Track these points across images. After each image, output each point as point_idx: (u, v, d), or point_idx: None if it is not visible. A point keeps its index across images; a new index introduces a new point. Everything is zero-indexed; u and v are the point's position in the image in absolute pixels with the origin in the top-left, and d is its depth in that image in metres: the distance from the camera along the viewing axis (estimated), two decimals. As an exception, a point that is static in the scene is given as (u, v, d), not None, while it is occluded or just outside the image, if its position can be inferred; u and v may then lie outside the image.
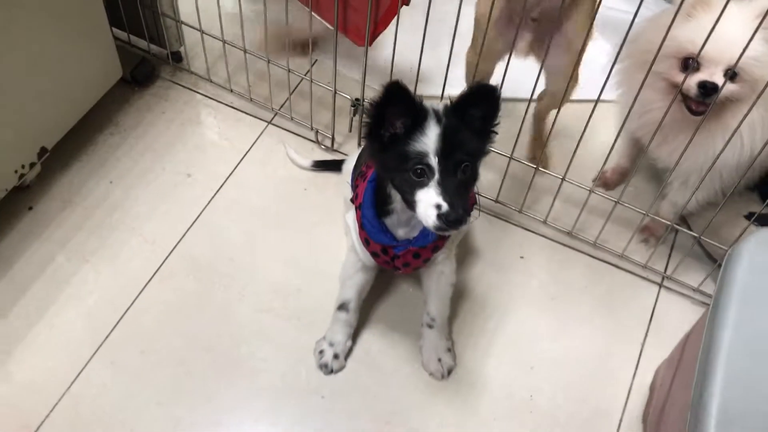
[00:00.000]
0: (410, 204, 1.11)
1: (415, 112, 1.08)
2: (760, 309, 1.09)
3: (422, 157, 1.07)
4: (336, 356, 1.45)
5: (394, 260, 1.29)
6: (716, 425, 0.98)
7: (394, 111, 1.07)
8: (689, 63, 1.32)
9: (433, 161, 1.07)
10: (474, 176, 1.13)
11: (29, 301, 1.50)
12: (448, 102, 1.11)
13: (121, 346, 1.46)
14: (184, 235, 1.63)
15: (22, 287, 1.52)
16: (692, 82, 1.31)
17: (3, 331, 1.46)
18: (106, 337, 1.47)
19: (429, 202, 1.07)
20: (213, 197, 1.69)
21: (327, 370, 1.45)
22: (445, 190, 1.07)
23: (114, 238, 1.61)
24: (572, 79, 1.48)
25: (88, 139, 1.76)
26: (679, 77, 1.34)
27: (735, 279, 1.13)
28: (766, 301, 1.10)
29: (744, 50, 1.20)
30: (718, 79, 1.29)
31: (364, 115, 1.12)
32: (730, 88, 1.30)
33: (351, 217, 1.32)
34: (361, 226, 1.27)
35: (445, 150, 1.07)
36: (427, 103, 1.10)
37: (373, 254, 1.30)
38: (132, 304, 1.52)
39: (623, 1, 1.92)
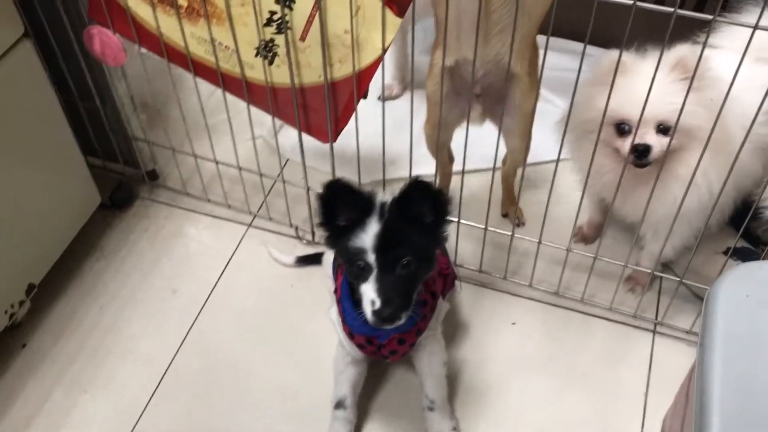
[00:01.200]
0: (360, 297, 1.14)
1: (359, 206, 1.12)
2: (743, 347, 1.11)
3: (361, 253, 1.11)
4: None
5: (381, 349, 1.30)
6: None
7: (340, 205, 1.12)
8: (623, 128, 1.37)
9: (371, 258, 1.11)
10: (422, 270, 1.16)
11: (31, 441, 1.50)
12: (393, 198, 1.14)
13: (127, 474, 1.46)
14: (178, 350, 1.64)
15: (23, 427, 1.52)
16: (625, 146, 1.36)
17: (7, 475, 1.46)
18: (111, 466, 1.47)
19: (368, 297, 1.11)
20: (203, 307, 1.71)
21: None
22: (381, 287, 1.10)
23: (109, 364, 1.62)
24: (528, 137, 1.53)
25: (75, 268, 1.79)
26: (617, 143, 1.39)
27: (716, 319, 1.14)
28: (747, 339, 1.11)
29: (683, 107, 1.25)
30: (651, 138, 1.34)
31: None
32: (666, 142, 1.34)
33: (334, 312, 1.35)
34: (344, 321, 1.29)
35: (382, 246, 1.11)
36: (378, 197, 1.14)
37: (359, 346, 1.32)
38: (134, 427, 1.52)
39: (570, 59, 2.01)
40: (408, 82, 2.16)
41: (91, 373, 1.60)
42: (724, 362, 1.09)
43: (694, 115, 1.32)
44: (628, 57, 1.37)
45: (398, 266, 1.12)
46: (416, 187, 1.12)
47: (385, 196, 1.16)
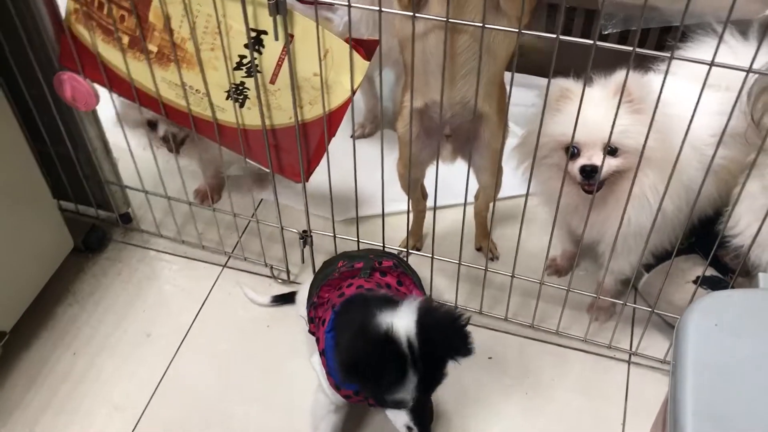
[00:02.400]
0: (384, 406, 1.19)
1: (395, 369, 1.13)
2: (713, 377, 1.12)
3: (401, 403, 1.16)
4: None
5: (368, 399, 1.30)
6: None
7: (378, 373, 1.13)
8: (572, 151, 1.41)
9: (410, 398, 1.15)
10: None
11: (2, 493, 1.47)
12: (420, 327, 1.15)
13: None
14: (153, 394, 1.62)
15: (-6, 479, 1.49)
16: (575, 168, 1.40)
17: None
18: None
19: (402, 422, 1.17)
20: (177, 350, 1.70)
21: None
22: (417, 416, 1.17)
23: (82, 411, 1.59)
24: (499, 173, 1.56)
25: (47, 314, 1.77)
26: (569, 165, 1.43)
27: (686, 349, 1.16)
28: (716, 369, 1.13)
29: (612, 129, 1.29)
30: (597, 159, 1.38)
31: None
32: (614, 163, 1.40)
33: (316, 360, 1.33)
34: (329, 374, 1.29)
35: (420, 392, 1.15)
36: (401, 335, 1.13)
37: (346, 397, 1.32)
38: (108, 477, 1.49)
39: (532, 94, 2.06)
40: (379, 122, 2.18)
41: (65, 422, 1.58)
42: (696, 392, 1.11)
43: (637, 135, 1.35)
44: (572, 84, 1.42)
45: (429, 399, 1.20)
46: (446, 325, 1.18)
47: (401, 321, 1.16)
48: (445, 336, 1.16)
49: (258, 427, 1.56)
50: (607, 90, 1.39)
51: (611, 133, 1.30)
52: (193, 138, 1.71)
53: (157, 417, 1.58)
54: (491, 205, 1.68)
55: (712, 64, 1.14)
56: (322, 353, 1.29)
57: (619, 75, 1.38)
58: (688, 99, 1.24)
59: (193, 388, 1.63)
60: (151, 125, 1.72)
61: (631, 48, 1.15)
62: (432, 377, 1.17)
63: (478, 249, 1.88)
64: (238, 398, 1.61)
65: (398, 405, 1.17)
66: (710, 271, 1.67)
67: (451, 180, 1.53)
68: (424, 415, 1.17)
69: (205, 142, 1.68)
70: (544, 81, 2.07)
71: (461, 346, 1.17)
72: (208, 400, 1.61)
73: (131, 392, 1.62)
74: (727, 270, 1.68)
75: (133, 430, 1.56)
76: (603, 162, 1.37)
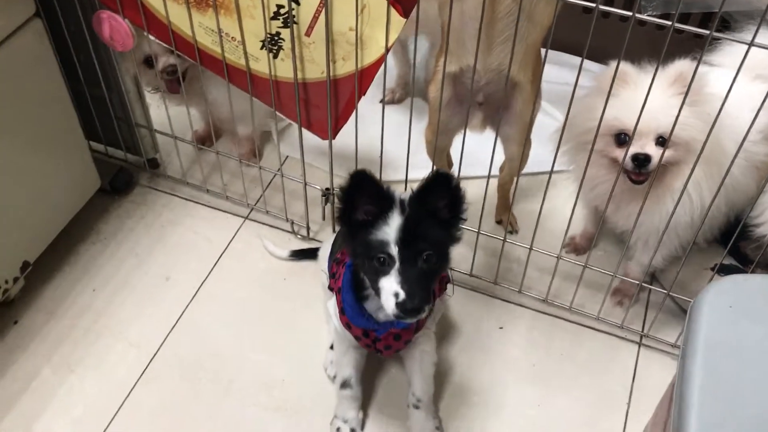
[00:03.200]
0: (376, 291, 1.15)
1: (381, 200, 1.13)
2: (723, 356, 1.12)
3: (384, 246, 1.12)
4: (353, 431, 1.47)
5: (376, 343, 1.32)
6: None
7: (361, 199, 1.13)
8: (622, 138, 1.39)
9: (394, 251, 1.12)
10: (440, 264, 1.18)
11: (16, 416, 1.51)
12: (412, 192, 1.16)
13: (109, 454, 1.47)
14: (168, 335, 1.65)
15: (9, 403, 1.53)
16: (627, 156, 1.38)
17: (-10, 448, 1.47)
18: (95, 445, 1.48)
19: (389, 290, 1.12)
20: (195, 295, 1.73)
21: None
22: (405, 280, 1.11)
23: (99, 345, 1.63)
24: (526, 146, 1.55)
25: (70, 250, 1.80)
26: (616, 153, 1.41)
27: (698, 330, 1.16)
28: (727, 349, 1.13)
29: (675, 120, 1.27)
30: (650, 149, 1.36)
31: (336, 202, 1.18)
32: (665, 154, 1.36)
33: (332, 303, 1.36)
34: (342, 311, 1.31)
35: (406, 240, 1.12)
36: (396, 193, 1.16)
37: (356, 337, 1.33)
38: (119, 409, 1.53)
39: (568, 72, 2.05)
40: (410, 88, 2.18)
41: (81, 354, 1.62)
42: (705, 370, 1.11)
43: (693, 128, 1.34)
44: (630, 68, 1.40)
45: (420, 260, 1.13)
46: (437, 179, 1.14)
47: (402, 194, 1.17)
48: (435, 191, 1.14)
49: (268, 374, 1.59)
50: (664, 78, 1.35)
51: (674, 124, 1.27)
52: (195, 75, 1.71)
53: (170, 357, 1.62)
54: (515, 178, 1.68)
55: (751, 44, 1.13)
56: (338, 291, 1.30)
57: (678, 64, 1.36)
58: (738, 93, 1.21)
59: (207, 333, 1.66)
60: (149, 62, 1.71)
61: (669, 23, 1.15)
62: (418, 229, 1.13)
63: (498, 222, 1.89)
64: (250, 346, 1.64)
65: (381, 254, 1.12)
66: (729, 260, 1.66)
67: (477, 151, 1.53)
68: (413, 283, 1.11)
69: (209, 83, 1.68)
70: (577, 60, 2.06)
71: (450, 198, 1.15)
72: (221, 346, 1.64)
73: (147, 331, 1.66)
74: (747, 260, 1.68)
75: (147, 366, 1.60)
76: (663, 153, 1.34)
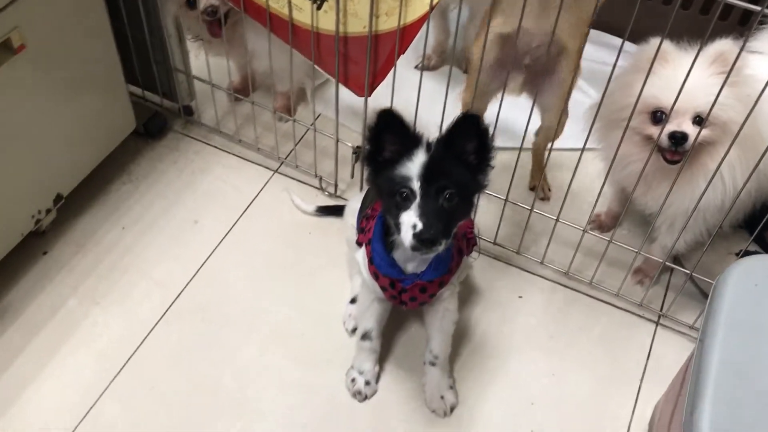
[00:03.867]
0: (397, 227, 1.17)
1: (408, 139, 1.15)
2: (744, 332, 1.13)
3: (406, 181, 1.14)
4: (368, 383, 1.50)
5: (401, 294, 1.33)
6: (707, 442, 1.01)
7: (388, 137, 1.15)
8: (658, 116, 1.39)
9: (416, 185, 1.14)
10: (463, 207, 1.19)
11: (41, 342, 1.55)
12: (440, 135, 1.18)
13: (129, 386, 1.50)
14: (193, 278, 1.68)
15: (36, 329, 1.57)
16: (663, 133, 1.37)
17: (15, 370, 1.51)
18: (115, 376, 1.51)
19: (408, 223, 1.13)
20: (221, 242, 1.75)
21: (361, 396, 1.50)
22: (423, 212, 1.12)
23: (124, 281, 1.67)
24: (563, 114, 1.56)
25: (102, 188, 1.84)
26: (651, 130, 1.41)
27: (721, 305, 1.17)
28: (749, 325, 1.14)
29: (715, 99, 1.27)
30: (688, 127, 1.36)
31: (364, 142, 1.20)
32: (701, 134, 1.36)
33: (361, 253, 1.38)
34: (371, 261, 1.33)
35: (427, 176, 1.14)
36: (423, 134, 1.17)
37: (382, 288, 1.35)
38: (140, 344, 1.56)
39: (606, 53, 2.05)
40: (447, 56, 2.18)
41: (106, 288, 1.65)
42: (725, 343, 1.12)
43: (731, 108, 1.34)
44: (670, 46, 1.39)
45: (441, 197, 1.14)
46: (466, 121, 1.15)
47: (430, 137, 1.19)
48: (463, 134, 1.16)
49: (287, 324, 1.61)
50: (704, 57, 1.34)
51: (714, 102, 1.27)
52: (237, 21, 1.72)
53: (193, 298, 1.65)
54: (549, 144, 1.69)
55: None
56: (368, 242, 1.32)
57: (719, 43, 1.35)
58: None
59: (231, 280, 1.69)
60: (190, 2, 1.72)
61: (719, -4, 1.14)
62: (442, 167, 1.15)
63: (532, 188, 1.90)
64: (271, 296, 1.66)
65: (404, 188, 1.14)
66: (754, 247, 1.66)
67: (507, 121, 1.53)
68: (431, 215, 1.12)
69: (249, 31, 1.68)
70: (616, 40, 2.06)
71: (478, 142, 1.17)
72: (244, 293, 1.67)
73: (172, 272, 1.69)
74: (773, 249, 1.67)
75: (169, 307, 1.63)
76: (699, 132, 1.34)
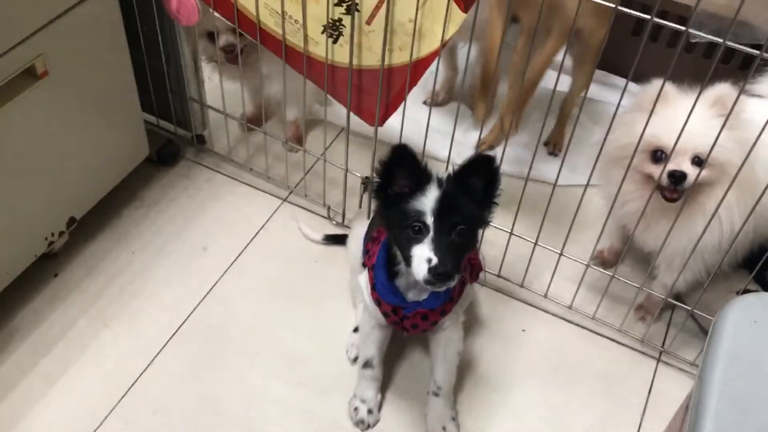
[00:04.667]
0: (407, 260, 1.20)
1: (419, 175, 1.19)
2: (743, 368, 1.15)
3: (420, 215, 1.18)
4: (370, 411, 1.52)
5: (403, 321, 1.36)
6: (707, 476, 1.02)
7: (400, 172, 1.19)
8: (658, 155, 1.43)
9: (429, 220, 1.17)
10: (470, 242, 1.23)
11: (50, 361, 1.57)
12: (450, 173, 1.22)
13: (135, 407, 1.52)
14: (200, 303, 1.71)
15: (45, 349, 1.59)
16: (663, 172, 1.41)
17: (24, 388, 1.53)
18: (122, 397, 1.53)
19: (422, 257, 1.17)
20: (229, 268, 1.78)
21: (364, 425, 1.52)
22: (437, 247, 1.16)
23: (133, 305, 1.69)
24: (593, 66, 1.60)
25: (114, 212, 1.87)
26: (651, 169, 1.44)
27: (720, 341, 1.19)
28: (748, 361, 1.16)
29: (715, 141, 1.31)
30: (687, 167, 1.39)
31: (374, 174, 1.24)
32: (700, 174, 1.39)
33: (363, 278, 1.40)
34: (373, 287, 1.35)
35: (441, 211, 1.17)
36: (433, 170, 1.21)
37: (384, 314, 1.37)
38: (147, 367, 1.58)
39: (610, 92, 2.11)
40: (455, 93, 2.23)
41: (115, 311, 1.68)
42: (724, 380, 1.14)
43: (729, 150, 1.37)
44: (671, 88, 1.43)
45: (453, 232, 1.18)
46: (479, 161, 1.19)
47: (439, 172, 1.23)
48: (475, 172, 1.20)
49: (293, 350, 1.63)
50: (704, 100, 1.38)
51: (714, 143, 1.31)
52: (253, 52, 1.76)
53: (200, 323, 1.67)
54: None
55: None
56: (371, 267, 1.35)
57: (719, 87, 1.39)
58: None
59: (238, 305, 1.71)
60: (211, 36, 1.78)
61: (721, 39, 1.19)
62: (454, 203, 1.18)
63: (546, 143, 2.11)
64: (277, 322, 1.69)
65: (417, 222, 1.17)
66: (755, 286, 1.69)
67: (518, 151, 1.56)
68: (444, 250, 1.16)
69: (265, 61, 1.74)
70: (620, 81, 2.11)
71: (488, 180, 1.21)
72: (250, 319, 1.69)
73: (180, 296, 1.71)
74: (774, 290, 1.70)
75: (177, 330, 1.65)
76: (699, 172, 1.38)
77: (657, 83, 1.38)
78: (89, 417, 1.49)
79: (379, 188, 1.22)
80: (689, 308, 1.61)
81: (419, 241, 1.18)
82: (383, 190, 1.22)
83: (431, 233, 1.17)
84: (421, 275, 1.17)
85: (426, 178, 1.20)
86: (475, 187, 1.22)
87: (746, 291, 1.64)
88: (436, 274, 1.15)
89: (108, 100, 1.69)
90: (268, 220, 1.90)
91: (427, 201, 1.18)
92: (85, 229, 1.79)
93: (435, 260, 1.15)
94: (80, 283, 1.72)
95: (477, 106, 1.89)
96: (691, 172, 1.40)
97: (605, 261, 1.85)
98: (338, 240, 1.84)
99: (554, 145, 2.13)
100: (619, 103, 1.38)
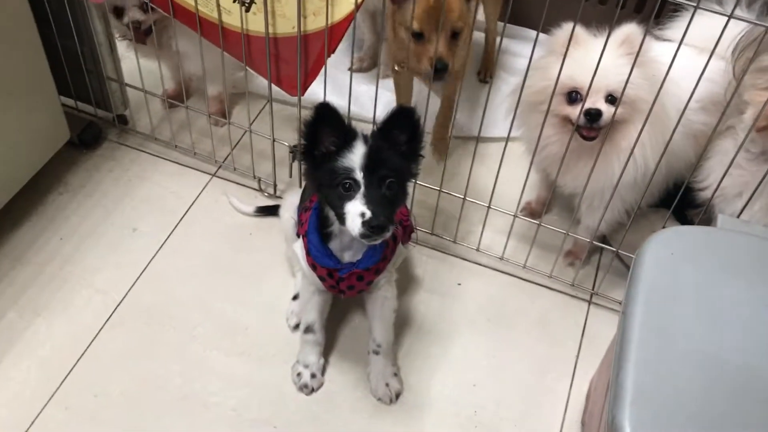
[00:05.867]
0: (341, 218, 1.21)
1: (344, 132, 1.20)
2: (663, 298, 1.21)
3: (349, 172, 1.18)
4: (313, 375, 1.54)
5: (339, 283, 1.37)
6: (631, 401, 1.07)
7: (325, 131, 1.19)
8: (573, 96, 1.47)
9: (359, 176, 1.18)
10: (401, 194, 1.24)
11: (-19, 355, 1.54)
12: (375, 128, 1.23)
13: (75, 392, 1.50)
14: (134, 283, 1.69)
15: (-25, 342, 1.56)
16: (577, 111, 1.45)
17: (-44, 385, 1.49)
18: (60, 384, 1.51)
19: (355, 212, 1.18)
20: (161, 247, 1.76)
21: (308, 390, 1.53)
22: (370, 201, 1.17)
23: (65, 291, 1.66)
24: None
25: (38, 199, 1.83)
26: (567, 110, 1.49)
27: (640, 275, 1.24)
28: (668, 293, 1.21)
29: (627, 80, 1.35)
30: (602, 105, 1.44)
31: (300, 138, 1.24)
32: (613, 111, 1.44)
33: (299, 245, 1.41)
34: (308, 252, 1.36)
35: (369, 166, 1.18)
36: (357, 127, 1.22)
37: (320, 278, 1.39)
38: (85, 351, 1.56)
39: (522, 45, 2.16)
40: (378, 58, 2.24)
41: (47, 298, 1.64)
42: (645, 308, 1.19)
43: (639, 87, 1.42)
44: (581, 30, 1.47)
45: (384, 185, 1.20)
46: (401, 113, 1.21)
47: (363, 130, 1.24)
48: (398, 125, 1.22)
49: (232, 322, 1.64)
50: (613, 40, 1.41)
51: (627, 81, 1.35)
52: (165, 26, 1.74)
53: (135, 304, 1.66)
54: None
55: (696, 6, 1.21)
56: (305, 234, 1.36)
57: (626, 27, 1.43)
58: (684, 63, 1.30)
59: (173, 283, 1.70)
60: (118, 12, 1.73)
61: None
62: (382, 157, 1.20)
63: (478, 72, 2.23)
64: (215, 296, 1.68)
65: (347, 179, 1.18)
66: (675, 224, 1.75)
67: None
68: (377, 203, 1.17)
69: (179, 35, 1.72)
70: (531, 33, 2.15)
71: (411, 133, 1.23)
72: (187, 296, 1.68)
73: (113, 279, 1.69)
74: (692, 225, 1.77)
75: (113, 312, 1.63)
76: (615, 110, 1.42)
77: (567, 27, 1.42)
78: (27, 406, 1.47)
79: (305, 150, 1.22)
80: (614, 249, 1.67)
81: (351, 197, 1.19)
82: (310, 152, 1.23)
83: (362, 188, 1.18)
84: (356, 230, 1.18)
85: (351, 136, 1.21)
86: (399, 140, 1.23)
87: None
88: (370, 227, 1.16)
89: (20, 82, 1.64)
90: (198, 197, 1.88)
91: (355, 157, 1.19)
92: (9, 217, 1.75)
93: (369, 214, 1.17)
94: (8, 273, 1.68)
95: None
96: (606, 109, 1.45)
97: (533, 211, 1.90)
98: (271, 211, 1.83)
99: (485, 72, 2.22)
100: (532, 54, 1.41)
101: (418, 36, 1.60)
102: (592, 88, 1.41)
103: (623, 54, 1.42)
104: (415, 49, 1.61)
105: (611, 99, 1.45)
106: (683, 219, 1.80)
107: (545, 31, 1.39)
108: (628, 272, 1.75)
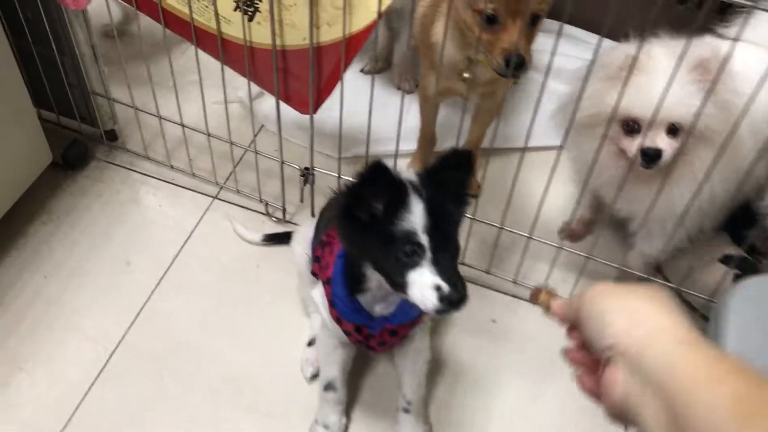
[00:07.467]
0: (400, 287, 1.00)
1: (394, 188, 0.97)
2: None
3: (411, 236, 0.96)
4: None
5: (369, 339, 1.18)
6: None
7: (372, 191, 0.97)
8: (630, 125, 1.26)
9: (424, 239, 0.97)
10: (458, 248, 1.04)
11: (-44, 419, 1.35)
12: (422, 171, 1.02)
13: (63, 463, 1.32)
14: (129, 328, 1.50)
15: (-52, 404, 1.37)
16: (634, 147, 1.26)
17: (-73, 457, 1.31)
18: (46, 453, 1.33)
19: (425, 284, 0.96)
20: (159, 283, 1.57)
21: None
22: (441, 269, 0.96)
23: (50, 339, 1.48)
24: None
25: (19, 231, 1.63)
26: (623, 143, 1.29)
27: (726, 336, 1.06)
28: (757, 352, 1.03)
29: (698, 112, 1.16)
30: (662, 140, 1.24)
31: (339, 196, 1.03)
32: (675, 144, 1.24)
33: (319, 293, 1.21)
34: (332, 304, 1.17)
35: (433, 225, 0.97)
36: (402, 175, 1.00)
37: (346, 333, 1.20)
38: (74, 412, 1.38)
39: (570, 45, 1.91)
40: (392, 58, 2.03)
41: (30, 349, 1.46)
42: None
43: (709, 117, 1.22)
44: (644, 53, 1.25)
45: (450, 245, 0.99)
46: (456, 156, 1.00)
47: (405, 174, 1.02)
48: (451, 169, 1.02)
49: (238, 369, 1.45)
50: (684, 64, 1.18)
51: (698, 116, 1.16)
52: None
53: (132, 351, 1.47)
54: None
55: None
56: (327, 281, 1.16)
57: (700, 49, 1.20)
58: (756, 71, 1.08)
59: (172, 326, 1.52)
60: None
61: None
62: (441, 211, 0.99)
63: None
64: (219, 340, 1.50)
65: (410, 242, 0.97)
66: (736, 250, 1.57)
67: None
68: (449, 270, 0.97)
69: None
70: (570, 28, 1.92)
71: (465, 169, 1.02)
72: (188, 340, 1.49)
73: (105, 324, 1.50)
74: (755, 250, 1.58)
75: (105, 364, 1.45)
76: (680, 145, 1.23)
77: (625, 47, 1.21)
78: (8, 482, 1.29)
79: (345, 212, 1.00)
80: (675, 286, 1.48)
81: (415, 264, 0.97)
82: (351, 214, 1.00)
83: (428, 253, 0.97)
84: (430, 306, 0.96)
85: (403, 190, 0.98)
86: (451, 186, 1.02)
87: (727, 257, 1.52)
88: (450, 302, 0.96)
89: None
90: (198, 224, 1.69)
91: (414, 218, 0.97)
92: (-15, 254, 1.56)
93: (446, 287, 0.95)
94: (-16, 320, 1.49)
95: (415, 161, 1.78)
96: (667, 145, 1.25)
97: (573, 234, 1.70)
98: (281, 239, 1.63)
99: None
100: (592, 63, 1.19)
101: (491, 20, 1.28)
102: (652, 120, 1.20)
103: (694, 80, 1.20)
104: (487, 38, 1.29)
105: (674, 129, 1.24)
106: (739, 238, 1.61)
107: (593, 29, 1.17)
108: (685, 305, 1.58)
